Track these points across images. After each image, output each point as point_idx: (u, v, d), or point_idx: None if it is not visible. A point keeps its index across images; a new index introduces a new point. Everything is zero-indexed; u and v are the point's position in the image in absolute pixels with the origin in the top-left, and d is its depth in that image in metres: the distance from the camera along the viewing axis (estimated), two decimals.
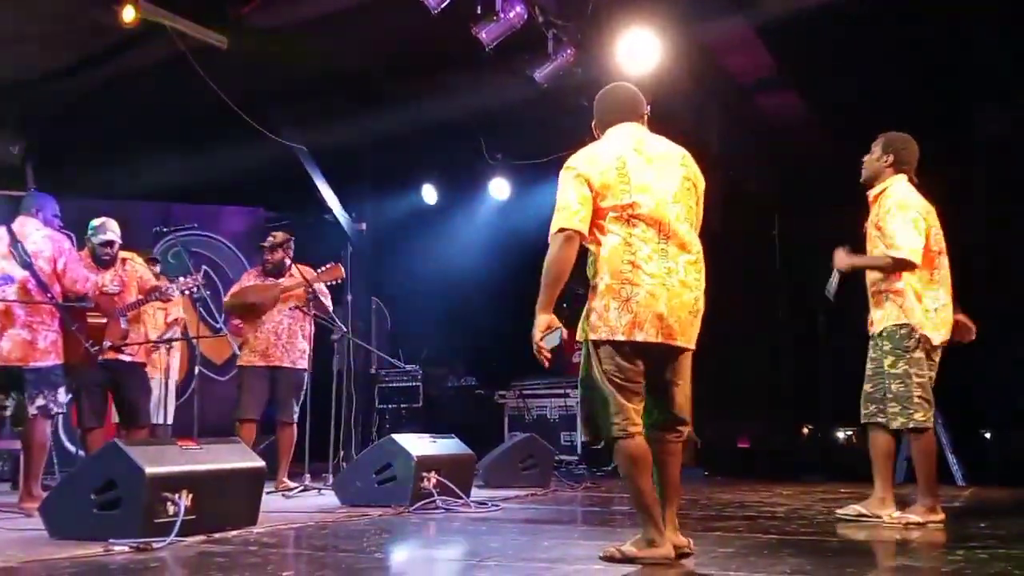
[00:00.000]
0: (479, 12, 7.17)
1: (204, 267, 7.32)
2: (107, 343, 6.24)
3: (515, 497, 6.54)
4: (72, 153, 9.21)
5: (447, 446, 6.29)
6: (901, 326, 5.12)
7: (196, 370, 7.27)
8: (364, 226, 10.71)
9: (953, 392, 5.90)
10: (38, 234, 5.84)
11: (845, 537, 4.79)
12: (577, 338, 3.81)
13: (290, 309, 7.09)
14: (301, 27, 8.26)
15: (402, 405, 9.87)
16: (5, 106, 9.34)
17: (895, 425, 5.09)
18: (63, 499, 4.47)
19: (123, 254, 6.58)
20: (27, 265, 5.69)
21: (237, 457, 4.90)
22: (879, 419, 5.16)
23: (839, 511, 5.32)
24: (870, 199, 5.31)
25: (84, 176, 9.14)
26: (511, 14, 7.22)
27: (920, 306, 5.11)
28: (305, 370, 7.12)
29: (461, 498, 5.79)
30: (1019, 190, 8.32)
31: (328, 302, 7.15)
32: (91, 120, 9.23)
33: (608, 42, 7.79)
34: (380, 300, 11.04)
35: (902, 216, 5.10)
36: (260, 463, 5.00)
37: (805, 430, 10.01)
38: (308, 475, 6.98)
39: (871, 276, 5.29)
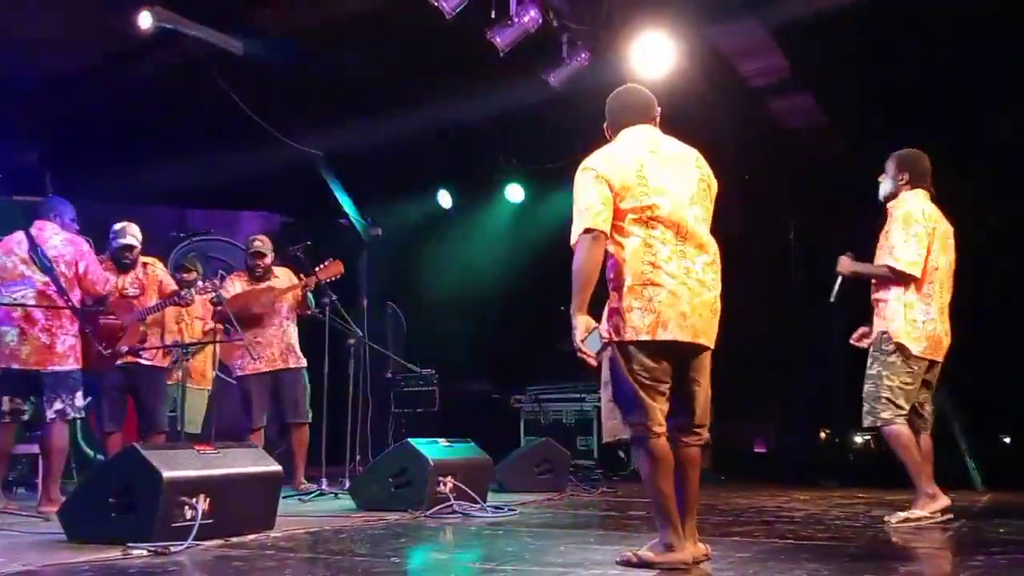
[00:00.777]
0: (493, 17, 7.18)
1: (221, 272, 7.32)
2: (124, 347, 6.27)
3: (531, 502, 6.54)
4: (89, 158, 9.26)
5: (463, 450, 6.29)
6: (882, 332, 5.29)
7: (212, 374, 7.29)
8: (380, 231, 10.73)
9: (972, 397, 5.90)
10: (57, 238, 5.88)
11: (863, 542, 4.77)
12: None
13: (286, 311, 7.12)
14: (316, 33, 8.30)
15: (418, 410, 9.87)
16: (23, 112, 9.40)
17: (865, 424, 5.29)
18: (81, 503, 4.50)
19: (143, 259, 6.61)
20: (47, 269, 5.73)
21: (254, 461, 4.92)
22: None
23: (890, 519, 5.23)
24: (888, 211, 5.42)
25: (101, 181, 9.18)
26: (525, 18, 7.23)
27: (906, 316, 5.23)
28: (305, 368, 7.16)
29: (477, 503, 5.79)
30: None
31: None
32: (108, 126, 9.28)
33: (622, 45, 7.78)
34: (396, 305, 11.06)
35: (906, 229, 5.24)
36: (276, 467, 5.01)
37: (822, 434, 9.97)
38: (325, 479, 7.00)
39: (873, 285, 5.40)
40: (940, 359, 5.37)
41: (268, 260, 7.18)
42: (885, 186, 5.45)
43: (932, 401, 5.46)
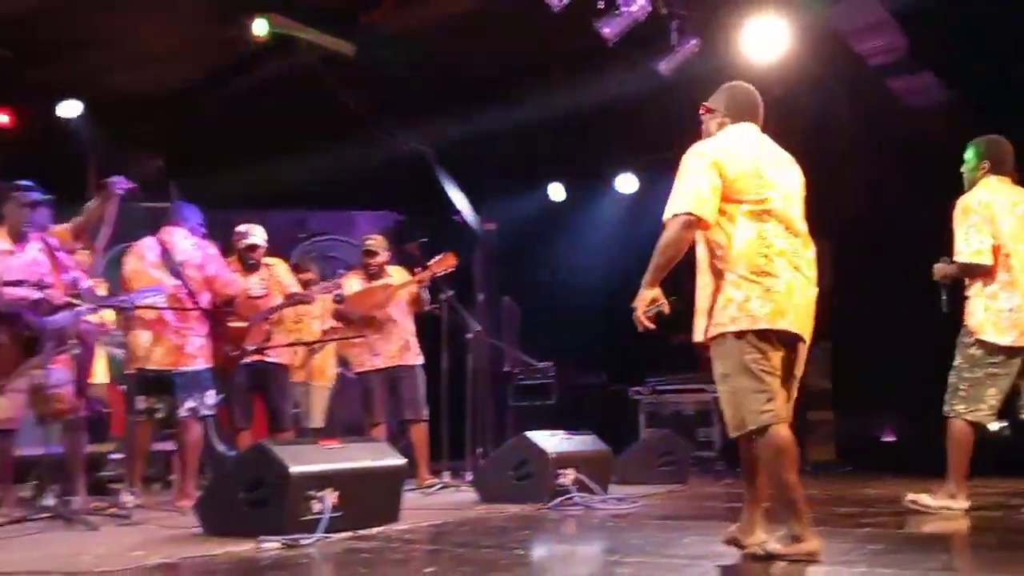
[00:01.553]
0: (601, 7, 7.14)
1: (340, 271, 7.46)
2: (250, 346, 6.45)
3: (653, 494, 6.49)
4: (213, 165, 9.56)
5: (583, 443, 6.29)
6: (964, 326, 5.30)
7: (335, 371, 7.44)
8: (493, 225, 10.79)
9: None
10: (186, 243, 6.09)
11: (998, 534, 4.59)
12: (708, 334, 3.79)
13: (404, 307, 7.21)
14: (426, 31, 8.40)
15: (535, 403, 9.90)
16: (147, 121, 9.76)
17: (943, 410, 5.29)
18: (215, 498, 4.66)
19: (266, 260, 6.79)
20: (177, 274, 5.94)
21: (377, 455, 5.01)
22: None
23: (908, 497, 5.29)
24: None
25: (224, 187, 9.47)
26: (634, 7, 7.17)
27: (987, 308, 5.19)
28: (422, 364, 7.24)
29: (599, 494, 5.78)
30: None
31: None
32: (228, 131, 9.56)
33: (733, 30, 7.65)
34: (511, 298, 11.12)
35: (964, 222, 5.20)
36: (400, 460, 5.09)
37: None
38: (447, 472, 7.08)
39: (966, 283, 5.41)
40: None
41: (381, 258, 7.28)
42: (968, 176, 5.41)
43: None
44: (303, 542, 4.16)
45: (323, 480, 4.44)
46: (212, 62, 9.08)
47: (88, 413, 5.59)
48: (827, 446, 9.05)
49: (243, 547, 4.09)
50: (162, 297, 5.78)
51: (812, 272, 3.80)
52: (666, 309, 3.77)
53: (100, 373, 6.64)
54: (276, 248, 7.37)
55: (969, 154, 5.40)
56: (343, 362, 7.70)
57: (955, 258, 5.23)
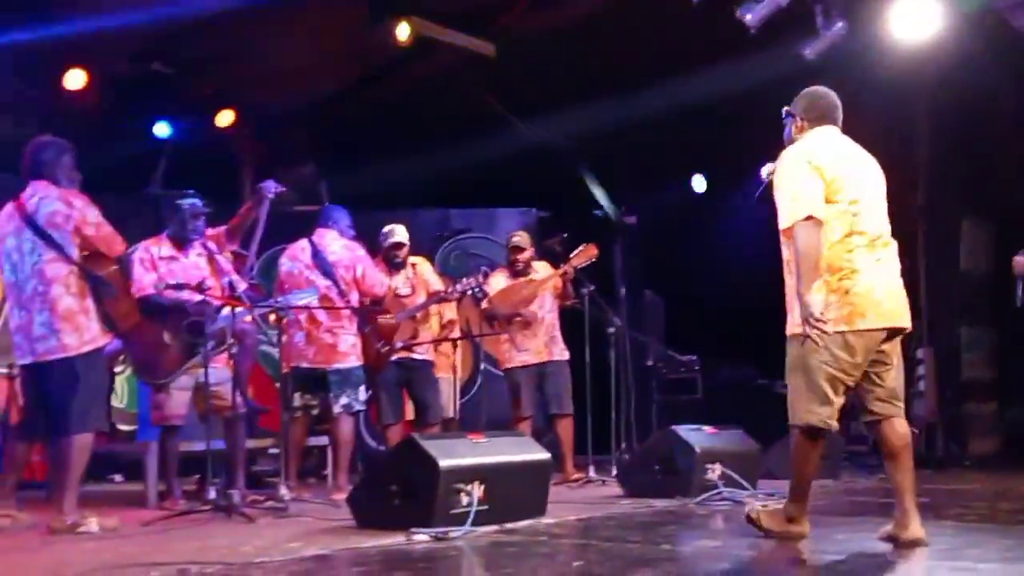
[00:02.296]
0: None
1: (484, 268, 7.56)
2: (399, 343, 6.60)
3: None
4: (359, 167, 9.81)
5: (730, 438, 6.20)
6: None
7: (480, 367, 7.55)
8: (635, 218, 10.72)
9: None
10: (337, 244, 6.28)
11: None
12: (789, 331, 4.02)
13: (549, 303, 7.24)
14: (564, 28, 8.41)
15: (680, 397, 9.79)
16: (299, 129, 10.10)
17: None
18: (367, 491, 4.78)
19: (411, 259, 6.94)
20: (328, 274, 6.14)
21: (524, 449, 5.06)
22: None
23: None
24: None
25: (370, 188, 9.71)
26: None
27: None
28: (568, 359, 7.25)
29: (747, 489, 5.69)
30: None
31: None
32: (374, 135, 9.80)
33: (881, 10, 7.39)
34: (653, 292, 11.02)
35: None
36: (546, 455, 5.13)
37: None
38: (592, 467, 7.09)
39: None
40: None
41: (527, 255, 7.32)
42: None
43: None
44: (452, 535, 4.23)
45: (471, 474, 4.51)
46: (358, 68, 9.33)
47: (246, 410, 5.82)
48: (990, 438, 8.66)
49: (394, 540, 4.18)
50: (315, 297, 5.98)
51: (896, 266, 3.98)
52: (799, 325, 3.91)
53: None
54: (420, 247, 7.52)
55: None
56: (489, 359, 7.78)
57: None
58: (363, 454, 7.66)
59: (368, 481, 4.95)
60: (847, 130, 4.17)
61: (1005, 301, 6.72)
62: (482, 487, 4.50)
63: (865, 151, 4.09)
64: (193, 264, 5.82)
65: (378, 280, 6.40)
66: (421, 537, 4.19)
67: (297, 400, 6.16)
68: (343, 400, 6.08)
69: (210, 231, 5.94)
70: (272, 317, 5.66)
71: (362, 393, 6.19)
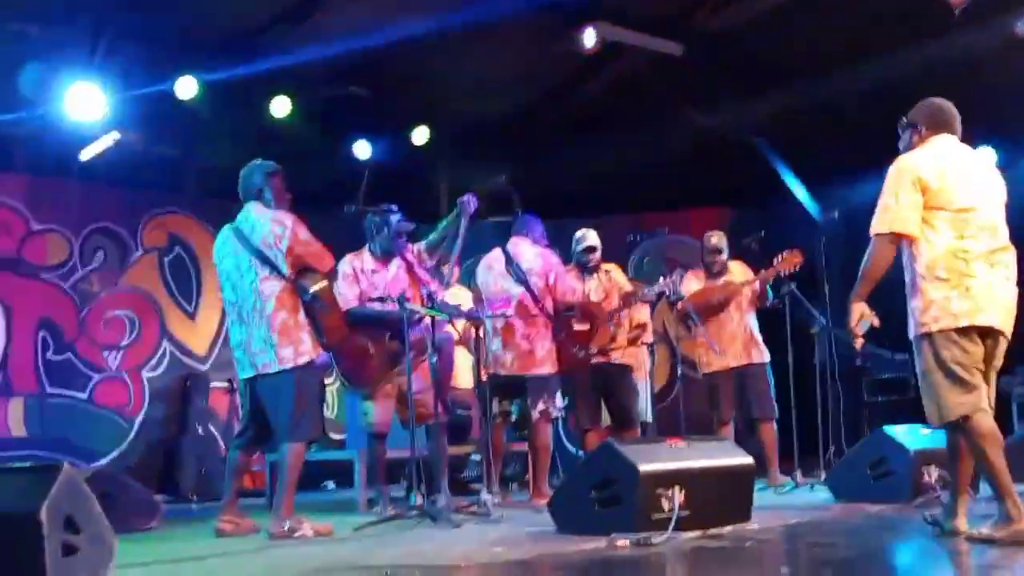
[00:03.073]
0: None
1: (679, 270, 7.43)
2: (595, 348, 6.58)
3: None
4: (551, 175, 9.90)
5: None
6: None
7: (679, 371, 7.44)
8: (836, 212, 10.30)
9: None
10: (530, 252, 6.34)
11: None
12: (912, 332, 4.09)
13: (746, 305, 7.05)
14: (752, 22, 8.22)
15: (892, 397, 9.35)
16: (490, 141, 10.29)
17: None
18: (567, 497, 4.78)
19: (604, 265, 6.91)
20: (523, 282, 6.20)
21: (726, 454, 4.93)
22: None
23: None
24: None
25: (561, 196, 9.78)
26: None
27: None
28: (768, 362, 7.04)
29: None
30: None
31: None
32: (564, 143, 9.86)
33: None
34: None
35: None
36: (748, 459, 4.98)
37: None
38: (799, 471, 6.86)
39: None
40: None
41: (724, 256, 7.18)
42: None
43: None
44: (654, 540, 4.17)
45: (672, 478, 4.44)
46: (548, 77, 9.42)
47: (448, 417, 5.95)
48: None
49: (595, 544, 4.17)
50: (511, 308, 6.05)
51: (1012, 272, 4.06)
52: (875, 322, 4.16)
53: (465, 378, 7.03)
54: (612, 252, 7.49)
55: None
56: (687, 362, 7.66)
57: None
58: (564, 461, 7.69)
59: (568, 486, 4.95)
60: None
61: None
62: (683, 492, 4.42)
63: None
64: (394, 276, 6.01)
65: (569, 288, 6.42)
66: (623, 542, 4.16)
67: (496, 406, 6.25)
68: (540, 406, 6.12)
69: (410, 246, 6.12)
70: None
71: (559, 399, 6.21)
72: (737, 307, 7.08)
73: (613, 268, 7.00)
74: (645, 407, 7.52)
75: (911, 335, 4.11)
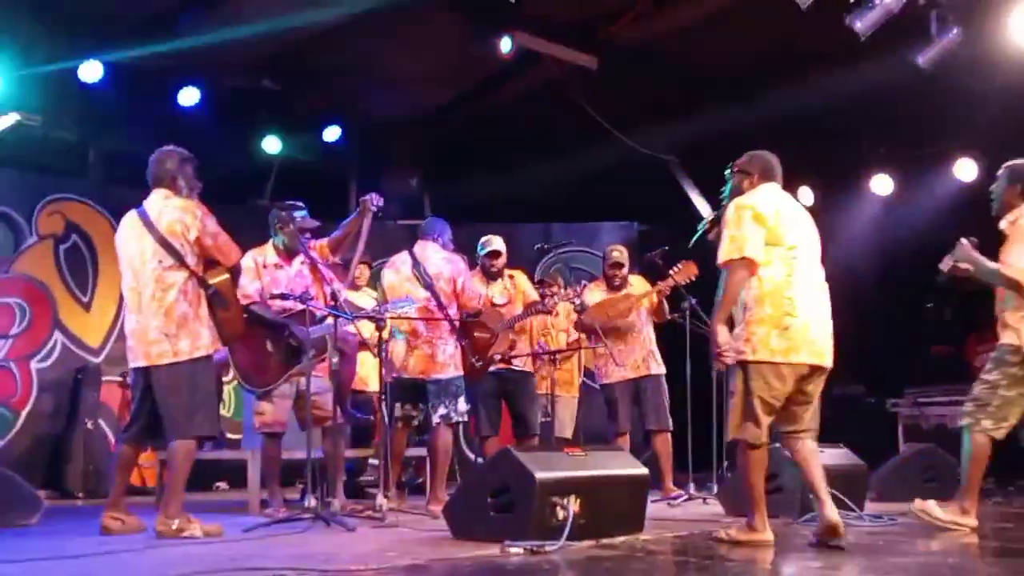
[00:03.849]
0: (853, 0, 6.82)
1: (583, 281, 7.49)
2: (496, 355, 6.59)
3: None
4: (461, 180, 9.89)
5: (836, 456, 6.00)
6: (1009, 345, 5.14)
7: (579, 381, 7.49)
8: None
9: None
10: (437, 256, 6.31)
11: None
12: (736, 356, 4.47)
13: (645, 317, 7.16)
14: (666, 39, 8.34)
15: None
16: (402, 142, 10.24)
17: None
18: (463, 502, 4.78)
19: (509, 271, 6.93)
20: (428, 286, 6.17)
21: (621, 464, 4.99)
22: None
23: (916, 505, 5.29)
24: (1003, 230, 5.24)
25: (472, 201, 9.77)
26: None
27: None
28: (664, 374, 7.16)
29: (854, 511, 5.50)
30: None
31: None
32: (476, 148, 9.87)
33: (998, 17, 7.12)
34: None
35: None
36: (643, 470, 5.05)
37: None
38: (692, 484, 6.96)
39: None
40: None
41: (625, 271, 7.28)
42: (997, 198, 5.35)
43: None
44: (547, 548, 4.19)
45: (568, 487, 4.47)
46: (461, 82, 9.41)
47: (347, 420, 5.88)
48: None
49: (488, 551, 4.17)
50: (413, 308, 6.01)
51: (827, 309, 4.58)
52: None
53: (373, 381, 6.97)
54: (521, 261, 7.51)
55: (1000, 177, 5.36)
56: (587, 373, 7.73)
57: (1001, 269, 5.09)
58: (461, 466, 7.67)
59: (464, 492, 4.95)
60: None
61: None
62: (578, 501, 4.46)
63: (801, 207, 4.75)
64: (297, 273, 5.93)
65: (476, 293, 6.42)
66: (516, 550, 4.16)
67: (398, 410, 6.20)
68: (442, 411, 6.09)
69: (314, 243, 6.04)
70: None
71: (461, 404, 6.20)
72: (636, 319, 7.17)
73: (518, 274, 7.03)
74: (567, 422, 7.54)
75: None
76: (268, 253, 5.99)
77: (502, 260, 6.83)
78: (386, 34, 8.05)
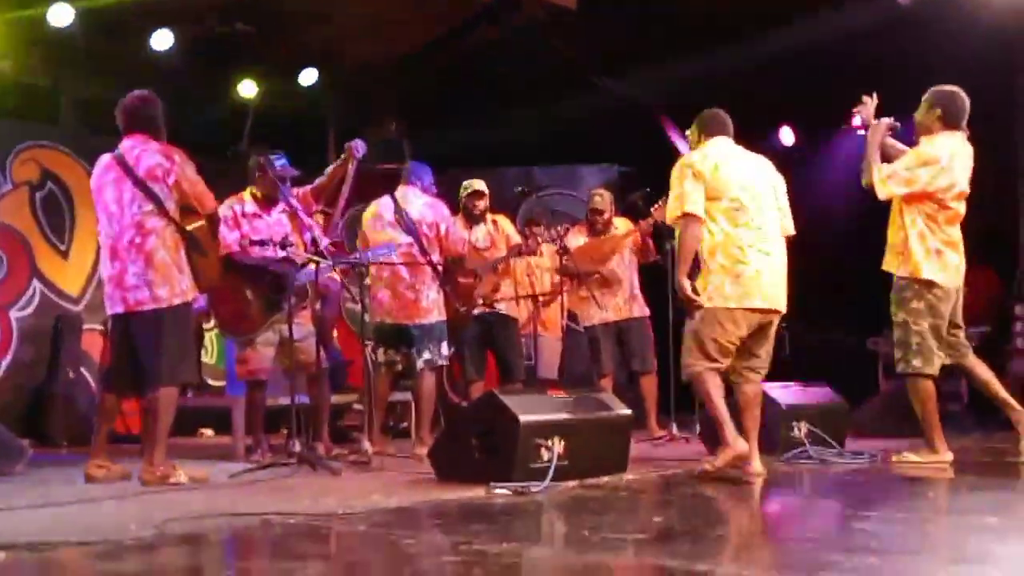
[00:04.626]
0: None
1: (565, 225, 7.48)
2: (480, 299, 6.59)
3: (894, 448, 6.17)
4: (442, 126, 9.80)
5: (817, 395, 6.07)
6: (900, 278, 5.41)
7: (563, 324, 7.50)
8: None
9: None
10: (419, 201, 6.25)
11: None
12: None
13: (629, 259, 7.17)
14: None
15: None
16: (382, 86, 10.11)
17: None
18: (448, 445, 4.80)
19: (492, 215, 6.90)
20: (411, 231, 6.12)
21: (605, 406, 5.02)
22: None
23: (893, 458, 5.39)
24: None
25: (453, 146, 9.69)
26: None
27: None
28: (648, 316, 7.19)
29: (834, 447, 5.57)
30: None
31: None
32: (457, 93, 9.77)
33: None
34: None
35: (912, 156, 5.32)
36: (627, 411, 5.08)
37: None
38: (675, 424, 7.02)
39: None
40: None
41: (608, 215, 7.26)
42: (919, 123, 5.49)
43: None
44: (532, 489, 4.22)
45: (552, 429, 4.49)
46: (441, 24, 9.28)
47: (331, 364, 5.87)
48: None
49: (474, 493, 4.19)
50: (395, 253, 5.99)
51: (781, 257, 4.94)
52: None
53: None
54: (502, 205, 7.47)
55: (924, 102, 5.47)
56: (571, 316, 7.74)
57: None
58: (445, 410, 7.69)
59: (449, 435, 4.97)
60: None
61: None
62: (563, 443, 4.48)
63: (758, 156, 5.08)
64: (276, 221, 5.88)
65: (459, 240, 6.39)
66: (501, 491, 4.19)
67: (380, 356, 6.20)
68: (426, 355, 6.09)
69: (297, 190, 5.98)
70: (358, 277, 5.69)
71: (444, 348, 6.19)
72: (620, 261, 7.17)
73: (500, 218, 7.00)
74: (550, 363, 7.56)
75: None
76: (246, 202, 5.92)
77: (484, 202, 6.80)
78: None
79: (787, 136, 10.88)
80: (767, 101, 10.13)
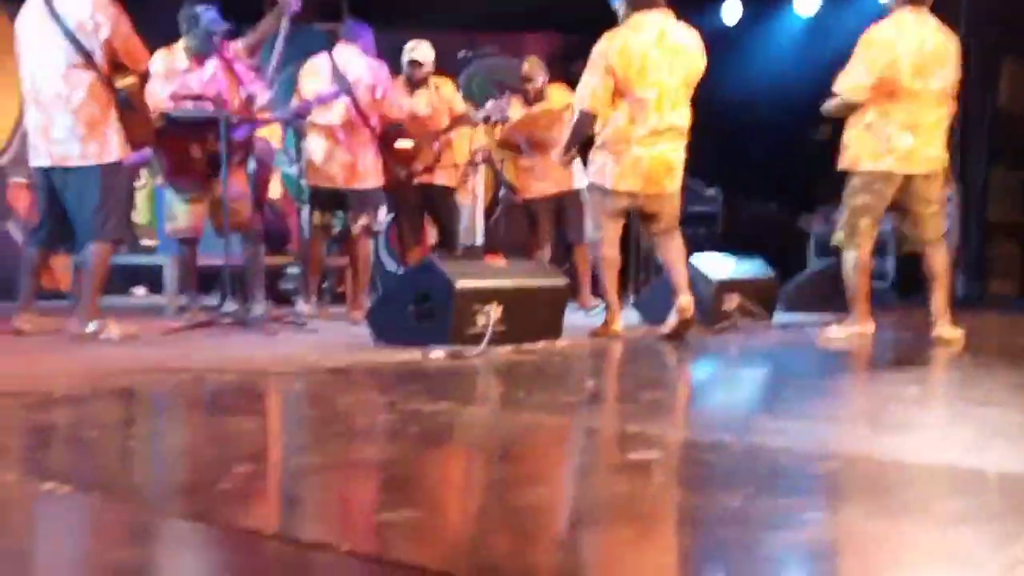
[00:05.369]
0: None
1: (508, 93, 7.36)
2: (419, 167, 6.52)
3: (821, 323, 6.34)
4: None
5: (749, 268, 6.18)
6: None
7: (501, 193, 7.48)
8: None
9: None
10: (359, 62, 6.09)
11: None
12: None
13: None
14: None
15: (700, 229, 9.73)
16: None
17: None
18: (385, 309, 4.81)
19: (435, 80, 6.77)
20: (348, 92, 5.98)
21: (541, 274, 5.07)
22: None
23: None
24: None
25: (394, 9, 9.41)
26: None
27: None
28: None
29: (763, 319, 5.70)
30: None
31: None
32: None
33: None
34: None
35: (860, 54, 5.07)
36: (563, 280, 5.14)
37: None
38: None
39: None
40: None
41: (539, 83, 7.12)
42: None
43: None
44: (468, 353, 4.27)
45: (488, 295, 4.52)
46: None
47: (264, 225, 5.81)
48: (1011, 280, 8.64)
49: (410, 356, 4.22)
50: (344, 99, 5.83)
51: (671, 147, 5.09)
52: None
53: (274, 189, 6.86)
54: (444, 69, 7.33)
55: None
56: (509, 187, 7.71)
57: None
58: (383, 276, 7.69)
59: (386, 299, 4.98)
60: None
61: None
62: (499, 309, 4.52)
63: (685, 39, 5.10)
64: (211, 76, 5.70)
65: (397, 103, 6.26)
66: (437, 355, 4.23)
67: (316, 219, 6.14)
68: (362, 220, 6.04)
69: (231, 44, 5.78)
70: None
71: (382, 214, 6.15)
72: (559, 133, 7.11)
73: (444, 83, 6.87)
74: (475, 230, 7.56)
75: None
76: (179, 56, 5.72)
77: (427, 68, 6.65)
78: None
79: (733, 10, 10.79)
80: None
